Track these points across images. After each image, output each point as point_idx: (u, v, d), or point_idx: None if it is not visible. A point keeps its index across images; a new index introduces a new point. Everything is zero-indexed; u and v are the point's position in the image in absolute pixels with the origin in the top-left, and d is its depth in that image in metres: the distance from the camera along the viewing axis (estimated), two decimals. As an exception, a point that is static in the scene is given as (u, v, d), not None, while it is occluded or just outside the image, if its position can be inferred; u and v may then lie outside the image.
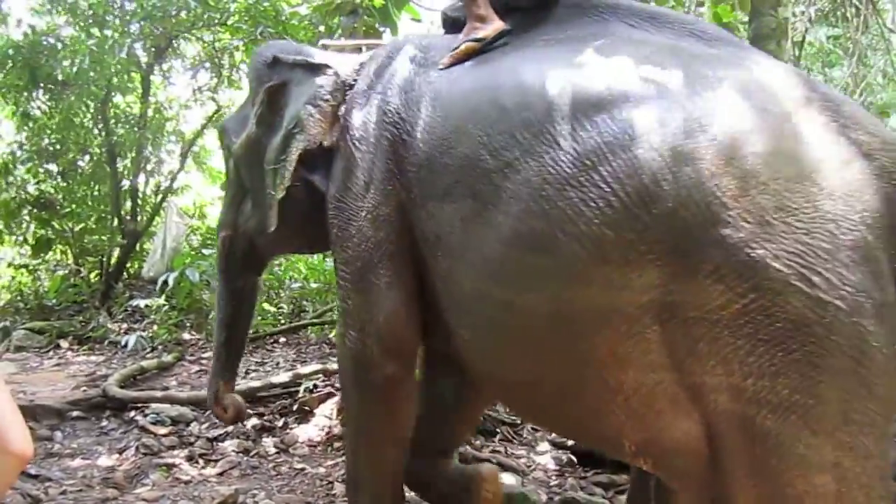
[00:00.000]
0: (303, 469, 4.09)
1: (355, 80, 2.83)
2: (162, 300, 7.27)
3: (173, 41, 8.45)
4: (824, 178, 1.71)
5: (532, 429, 4.74)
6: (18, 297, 8.28)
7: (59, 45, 7.56)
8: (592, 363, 1.87)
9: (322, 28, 8.59)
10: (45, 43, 7.44)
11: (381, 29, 6.57)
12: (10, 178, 8.42)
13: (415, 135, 2.42)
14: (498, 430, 4.62)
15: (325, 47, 3.34)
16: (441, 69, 2.46)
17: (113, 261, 8.71)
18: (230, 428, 4.60)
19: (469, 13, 2.48)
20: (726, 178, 1.70)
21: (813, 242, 1.65)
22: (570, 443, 4.23)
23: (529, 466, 4.16)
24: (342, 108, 2.77)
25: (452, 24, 2.70)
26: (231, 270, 3.39)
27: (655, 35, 2.18)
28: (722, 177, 1.71)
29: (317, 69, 2.89)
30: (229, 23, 8.33)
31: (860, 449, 1.64)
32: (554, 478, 4.02)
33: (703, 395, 1.73)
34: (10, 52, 7.37)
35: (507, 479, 3.85)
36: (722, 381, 1.69)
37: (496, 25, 2.41)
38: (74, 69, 7.29)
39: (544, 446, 4.43)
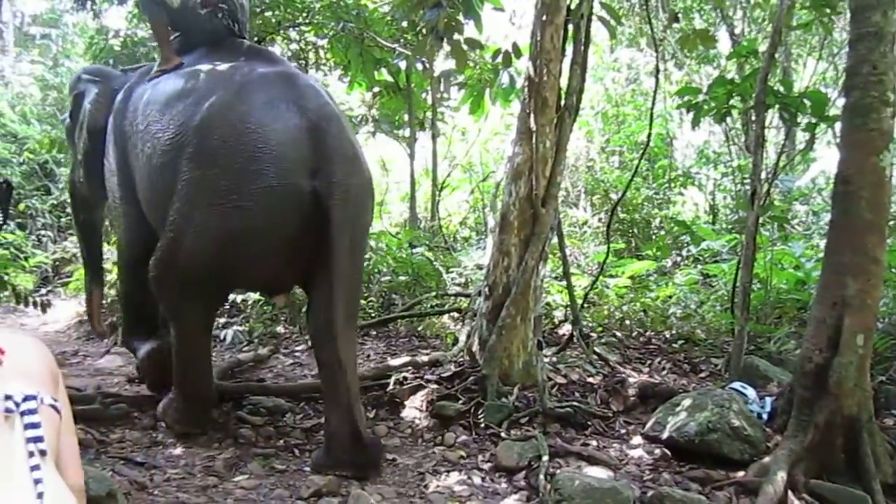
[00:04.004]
0: (394, 460, 4.13)
1: (120, 89, 4.63)
2: (257, 294, 7.48)
3: (261, 43, 8.66)
4: (267, 123, 3.59)
5: (625, 422, 4.65)
6: (124, 294, 8.65)
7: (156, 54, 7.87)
8: None
9: (405, 24, 8.66)
10: (141, 50, 7.75)
11: (465, 21, 6.54)
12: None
13: (130, 120, 4.27)
14: (589, 423, 4.55)
15: (124, 71, 5.09)
16: (147, 82, 4.38)
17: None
18: (323, 419, 4.70)
19: (161, 52, 4.58)
20: (206, 126, 3.66)
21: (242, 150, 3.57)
22: (665, 437, 4.12)
23: (622, 460, 4.07)
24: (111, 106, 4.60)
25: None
26: (76, 209, 5.31)
27: (242, 62, 4.15)
28: (209, 124, 3.66)
29: (97, 83, 4.80)
30: (314, 21, 8.48)
31: None
32: (647, 472, 3.92)
33: None
34: (111, 60, 7.73)
35: (598, 472, 3.79)
36: None
37: (174, 62, 4.43)
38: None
39: (637, 440, 4.32)
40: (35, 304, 6.19)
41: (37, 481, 1.40)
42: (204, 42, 4.52)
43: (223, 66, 4.11)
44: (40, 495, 1.39)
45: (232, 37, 4.57)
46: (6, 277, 6.53)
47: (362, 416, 3.94)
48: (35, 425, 1.43)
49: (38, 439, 1.43)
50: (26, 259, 9.61)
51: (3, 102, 13.39)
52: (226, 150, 3.59)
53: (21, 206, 11.01)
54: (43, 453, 1.43)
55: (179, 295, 3.94)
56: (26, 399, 1.42)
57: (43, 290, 9.84)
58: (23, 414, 1.41)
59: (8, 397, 1.38)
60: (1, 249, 7.76)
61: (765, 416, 4.39)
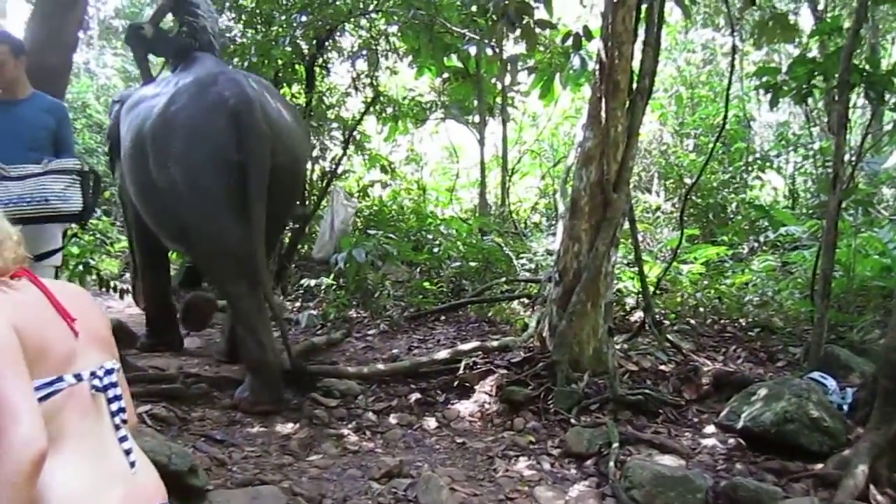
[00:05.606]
0: (463, 443, 4.18)
1: None
2: (330, 280, 7.63)
3: (333, 32, 8.78)
4: (198, 114, 4.49)
5: (697, 410, 4.57)
6: (204, 279, 8.94)
7: (229, 43, 8.11)
8: None
9: (474, 8, 8.64)
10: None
11: (535, 5, 6.48)
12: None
13: (121, 128, 5.17)
14: (661, 411, 4.49)
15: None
16: (133, 96, 5.33)
17: (285, 243, 9.23)
18: (394, 402, 4.79)
19: (140, 71, 6.04)
20: (156, 126, 4.59)
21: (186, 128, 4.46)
22: (739, 426, 4.04)
23: (694, 449, 4.01)
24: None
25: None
26: (124, 209, 6.28)
27: (202, 69, 5.01)
28: (157, 115, 4.59)
29: (120, 102, 5.62)
30: (383, 8, 8.55)
31: None
32: (721, 462, 3.85)
33: None
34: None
35: (670, 461, 3.75)
36: None
37: (148, 80, 5.60)
38: (245, 64, 7.77)
39: (710, 429, 4.25)
40: (114, 289, 6.52)
41: (127, 451, 1.50)
42: (177, 58, 5.59)
43: (173, 76, 5.24)
44: (132, 464, 1.49)
45: (194, 51, 5.49)
46: (92, 263, 6.83)
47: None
48: (118, 398, 1.52)
49: (122, 410, 1.53)
50: (112, 244, 10.02)
51: (89, 94, 13.96)
52: (173, 142, 4.47)
53: (106, 194, 11.45)
54: (125, 422, 1.53)
55: (226, 276, 4.60)
56: (107, 373, 1.51)
57: (127, 275, 10.26)
58: (106, 388, 1.50)
59: (93, 374, 1.47)
60: (87, 236, 8.10)
61: (846, 408, 4.25)
